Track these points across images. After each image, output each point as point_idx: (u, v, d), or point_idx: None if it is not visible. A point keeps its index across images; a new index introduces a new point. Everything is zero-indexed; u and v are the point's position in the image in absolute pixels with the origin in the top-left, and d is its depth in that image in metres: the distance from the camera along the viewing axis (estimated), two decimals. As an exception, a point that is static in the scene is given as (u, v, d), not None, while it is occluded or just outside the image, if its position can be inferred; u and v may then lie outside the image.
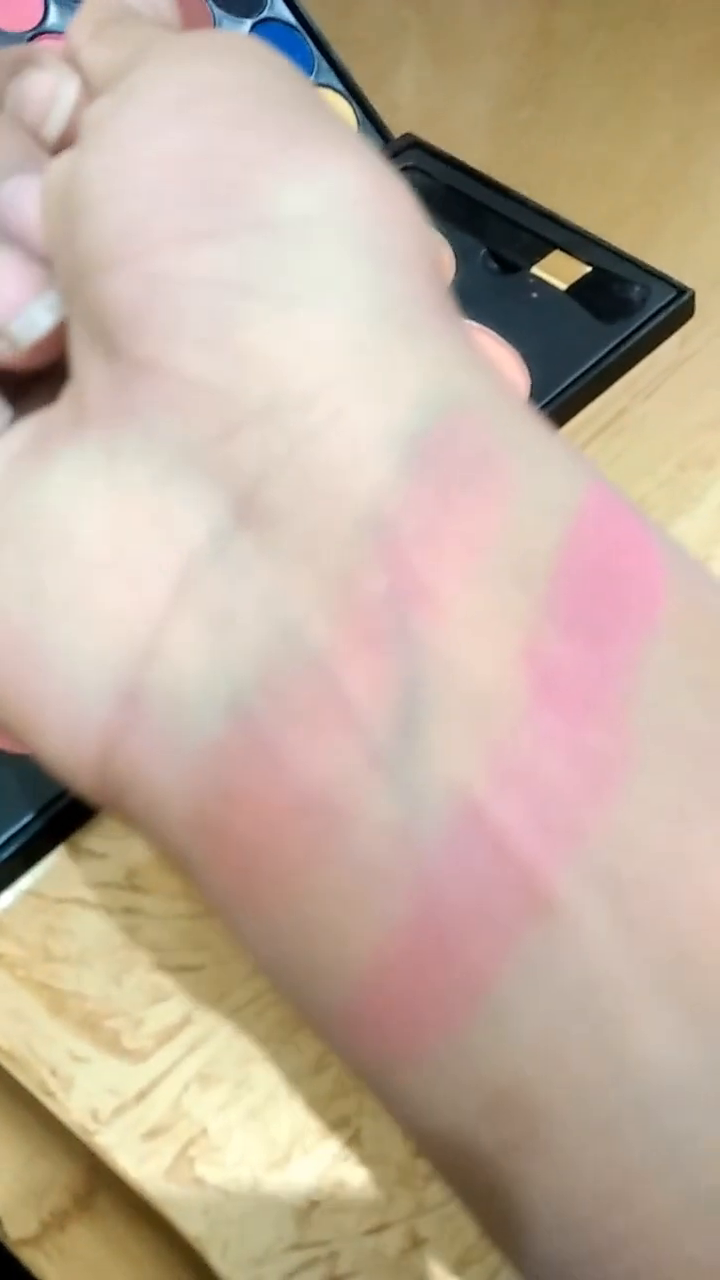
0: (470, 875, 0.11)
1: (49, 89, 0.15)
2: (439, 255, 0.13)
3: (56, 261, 0.13)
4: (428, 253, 0.13)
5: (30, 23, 0.38)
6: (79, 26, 0.15)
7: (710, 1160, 0.11)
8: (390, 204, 0.13)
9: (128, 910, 0.26)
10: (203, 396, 0.12)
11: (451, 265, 0.36)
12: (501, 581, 0.11)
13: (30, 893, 0.26)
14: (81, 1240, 0.24)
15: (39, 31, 0.38)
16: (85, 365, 0.13)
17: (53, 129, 0.15)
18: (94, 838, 0.27)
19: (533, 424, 0.12)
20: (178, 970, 0.25)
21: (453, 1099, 0.11)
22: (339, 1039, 0.12)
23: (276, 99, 0.13)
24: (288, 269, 0.12)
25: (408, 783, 0.11)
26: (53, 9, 0.38)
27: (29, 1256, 0.23)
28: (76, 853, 0.27)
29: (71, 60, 0.15)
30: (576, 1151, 0.11)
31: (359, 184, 0.13)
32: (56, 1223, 0.24)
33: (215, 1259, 0.22)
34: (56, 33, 0.38)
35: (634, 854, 0.11)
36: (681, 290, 0.36)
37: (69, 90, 0.15)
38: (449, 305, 0.13)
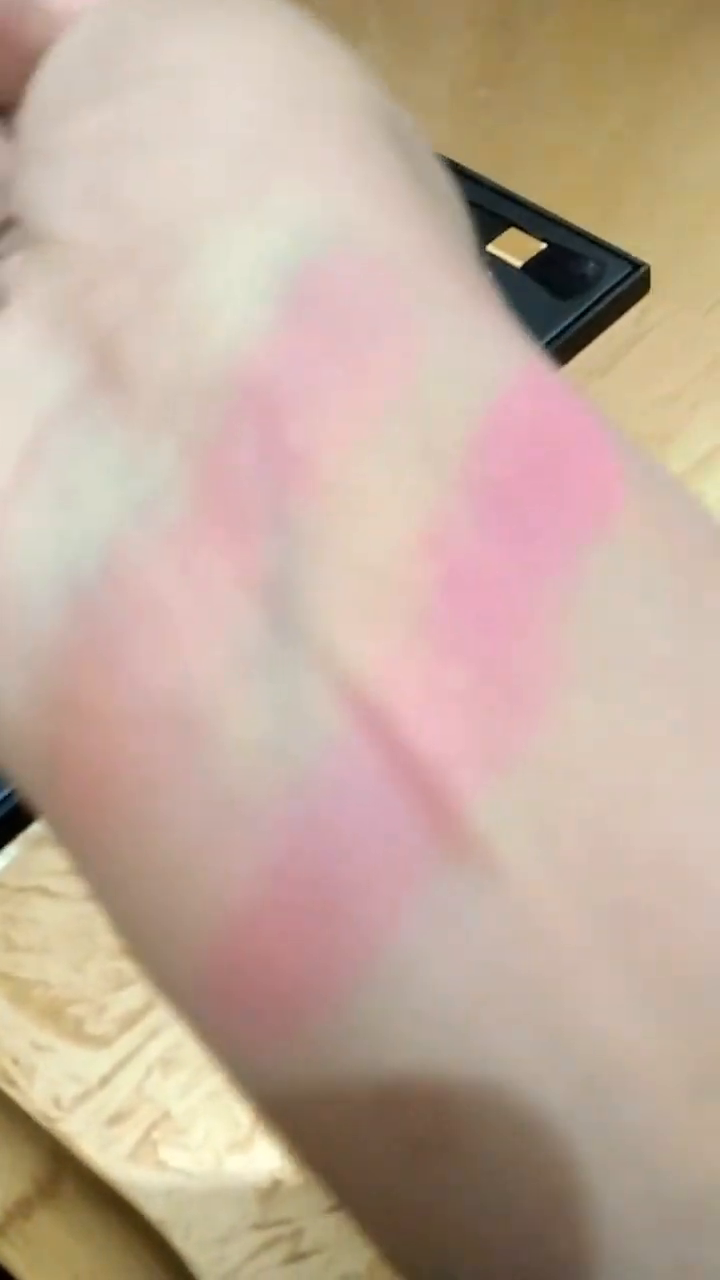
0: (362, 804, 0.09)
1: None
2: (379, 101, 0.12)
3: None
4: (352, 89, 0.11)
5: None
6: None
7: (679, 1166, 0.09)
8: (305, 49, 0.11)
9: (89, 898, 0.26)
10: (71, 254, 0.11)
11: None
12: (400, 457, 0.09)
13: (-10, 883, 0.26)
14: (46, 1228, 0.24)
15: None
16: (8, 260, 0.12)
17: None
18: (54, 826, 0.27)
19: (462, 287, 0.10)
20: (140, 956, 0.25)
21: (335, 1088, 0.09)
22: (195, 1013, 0.10)
23: None
24: (162, 117, 0.11)
25: (282, 687, 0.09)
26: None
27: (-6, 1245, 0.23)
28: (37, 841, 0.27)
29: None
30: (504, 1153, 0.09)
31: (265, 31, 0.11)
32: (21, 1211, 0.24)
33: (179, 1240, 0.22)
34: None
35: (570, 787, 0.09)
36: (637, 265, 0.36)
37: None
38: (378, 146, 0.11)
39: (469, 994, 0.09)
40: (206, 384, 0.10)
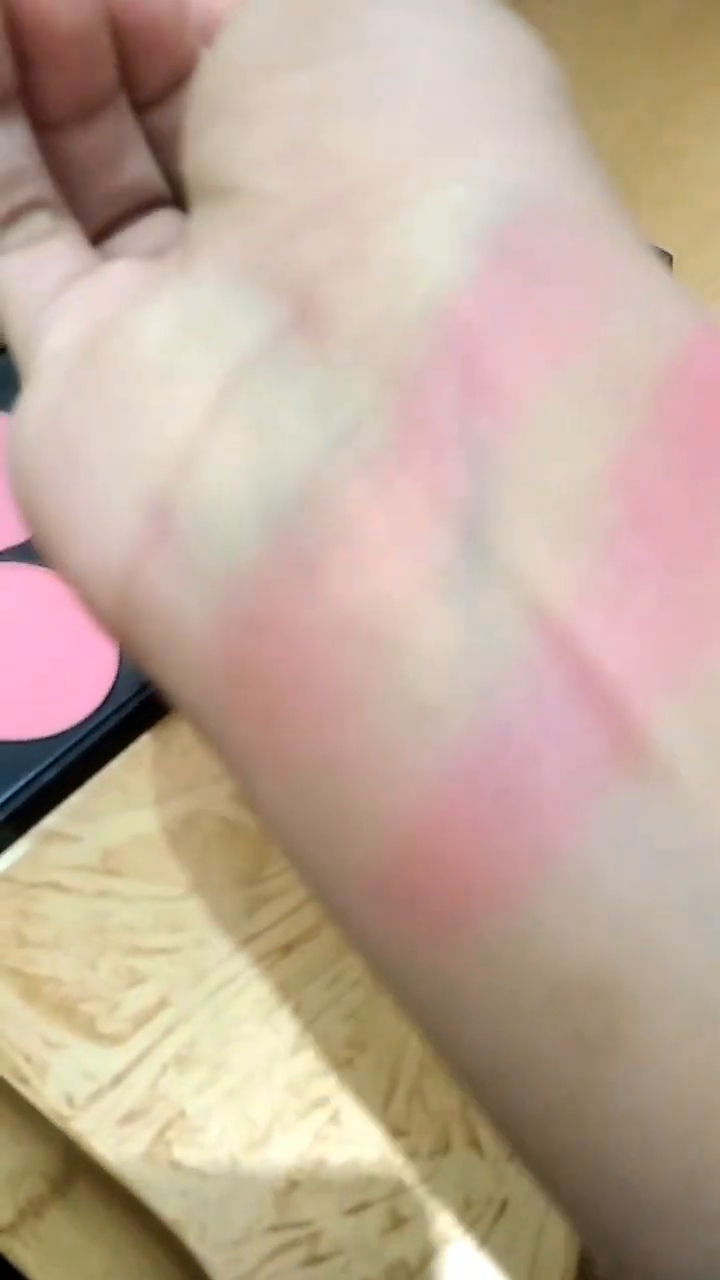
0: (546, 713, 0.09)
1: None
2: (554, 70, 0.12)
3: (179, 140, 0.13)
4: (536, 61, 0.12)
5: None
6: None
7: None
8: (498, 24, 0.12)
9: (102, 894, 0.26)
10: (270, 206, 0.11)
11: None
12: (592, 394, 0.10)
13: (2, 877, 0.26)
14: (59, 1227, 0.23)
15: None
16: (190, 218, 0.13)
17: None
18: (67, 821, 0.27)
19: (635, 240, 0.11)
20: (153, 953, 0.25)
21: (512, 988, 0.10)
22: (368, 920, 0.10)
23: None
24: (369, 81, 0.11)
25: (475, 606, 0.10)
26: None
27: (5, 1244, 0.23)
28: (49, 836, 0.27)
29: None
30: (669, 1052, 0.09)
31: (462, 6, 0.12)
32: (33, 1210, 0.23)
33: (193, 1241, 0.21)
34: None
35: None
36: (659, 254, 0.35)
37: None
38: (560, 113, 0.12)
39: (641, 901, 0.09)
40: (409, 325, 0.10)
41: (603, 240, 0.11)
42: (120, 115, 0.15)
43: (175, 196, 0.17)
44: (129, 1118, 0.23)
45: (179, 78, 0.15)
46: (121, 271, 0.13)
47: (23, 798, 0.26)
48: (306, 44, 0.12)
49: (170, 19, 0.15)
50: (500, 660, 0.09)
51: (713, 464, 0.10)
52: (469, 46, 0.12)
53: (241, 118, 0.12)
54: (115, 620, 0.12)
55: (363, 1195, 0.22)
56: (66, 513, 0.12)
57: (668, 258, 0.35)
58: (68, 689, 0.27)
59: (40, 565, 0.29)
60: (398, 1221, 0.22)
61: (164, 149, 0.16)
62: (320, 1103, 0.23)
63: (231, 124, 0.12)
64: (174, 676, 0.11)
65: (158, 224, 0.16)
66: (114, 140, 0.15)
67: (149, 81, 0.15)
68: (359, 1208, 0.22)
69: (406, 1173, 0.22)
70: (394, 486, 0.10)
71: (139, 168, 0.16)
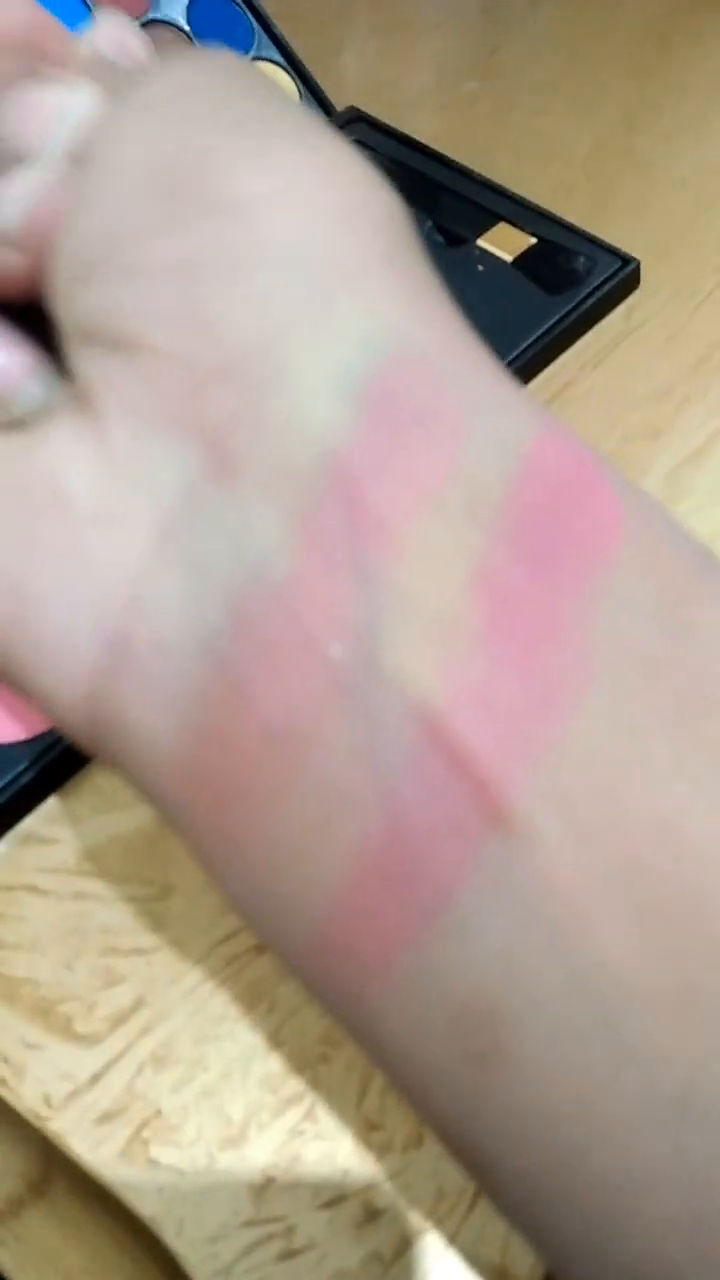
0: (432, 792, 0.11)
1: (55, 104, 0.15)
2: (395, 212, 0.14)
3: (48, 281, 0.14)
4: (378, 209, 0.14)
5: (139, 10, 0.38)
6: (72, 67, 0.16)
7: (668, 1065, 0.11)
8: (332, 171, 0.13)
9: (79, 895, 0.26)
10: (170, 364, 0.13)
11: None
12: (453, 515, 0.12)
13: (-21, 880, 0.26)
14: (37, 1226, 0.23)
15: (149, 20, 0.38)
16: (76, 360, 0.14)
17: (56, 145, 0.15)
18: (44, 823, 0.27)
19: (484, 369, 0.13)
20: (130, 954, 0.25)
21: (421, 1015, 0.12)
22: (312, 967, 0.12)
23: (225, 101, 0.14)
24: (235, 244, 0.13)
25: (369, 707, 0.12)
26: None
27: (-16, 1244, 0.23)
28: (26, 839, 0.27)
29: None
30: (541, 1059, 0.11)
31: (301, 160, 0.13)
32: (11, 1210, 0.23)
33: (170, 1238, 0.22)
34: (166, 22, 0.38)
35: (587, 769, 0.11)
36: (627, 260, 0.36)
37: (79, 104, 0.15)
38: (404, 256, 0.14)
39: (512, 937, 0.11)
40: (303, 470, 0.12)
41: (453, 372, 0.13)
42: None
43: None
44: (106, 1117, 0.23)
45: None
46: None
47: (4, 795, 0.26)
48: (172, 209, 0.13)
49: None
50: (393, 751, 0.11)
51: (553, 555, 0.12)
52: (317, 203, 0.13)
53: (123, 277, 0.13)
54: (85, 732, 0.14)
55: (338, 1189, 0.22)
56: (25, 649, 0.14)
57: (636, 264, 0.36)
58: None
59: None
60: (372, 1214, 0.22)
61: None
62: (295, 1099, 0.23)
63: (115, 281, 0.13)
64: (141, 775, 0.13)
65: None
66: None
67: None
68: (334, 1201, 0.22)
69: (380, 1166, 0.22)
70: (299, 609, 0.12)
71: None
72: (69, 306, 0.14)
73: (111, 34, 0.16)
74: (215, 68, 0.15)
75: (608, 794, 0.11)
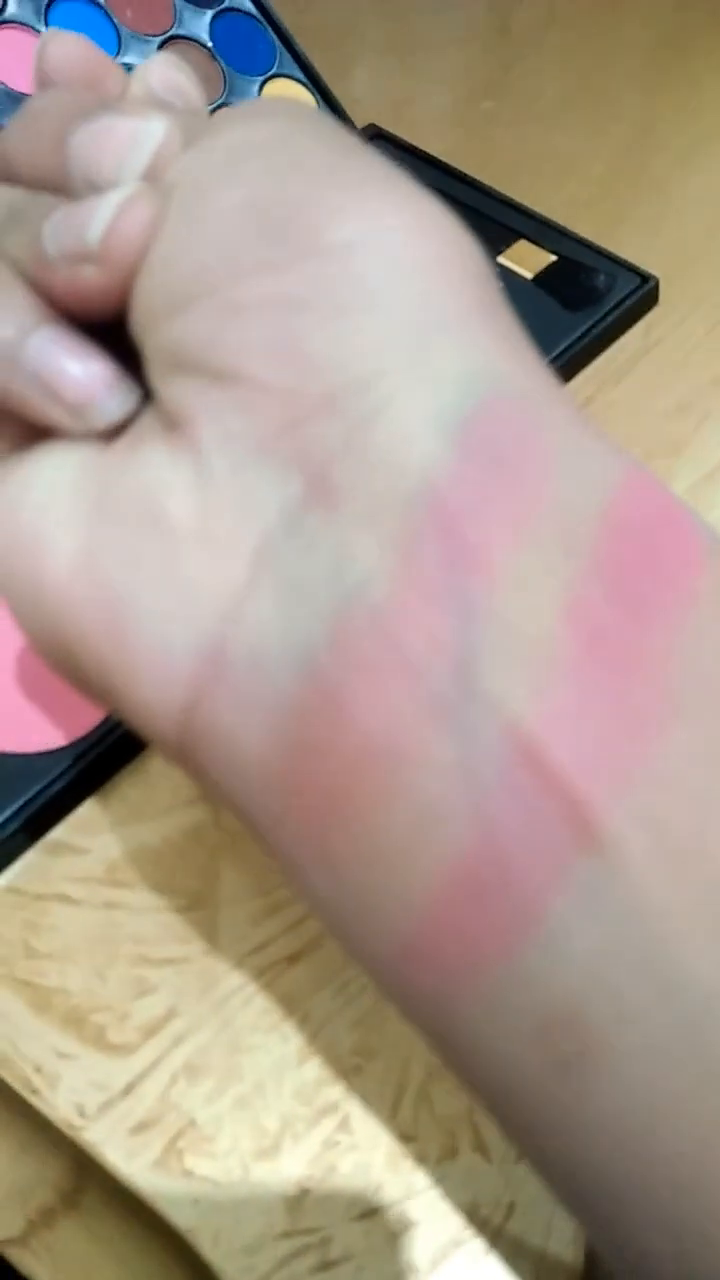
0: (524, 810, 0.12)
1: (131, 132, 0.16)
2: (481, 260, 0.15)
3: (133, 308, 0.15)
4: (468, 258, 0.14)
5: (161, 27, 0.38)
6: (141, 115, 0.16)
7: None
8: (425, 220, 0.14)
9: (109, 905, 0.26)
10: (272, 397, 0.14)
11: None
12: (548, 548, 0.12)
13: (9, 889, 0.26)
14: (69, 1237, 0.23)
15: (171, 35, 0.38)
16: (167, 386, 0.15)
17: (133, 170, 0.15)
18: (74, 833, 0.27)
19: (570, 411, 0.14)
20: (162, 963, 0.25)
21: (509, 1024, 0.12)
22: (397, 976, 0.13)
23: (314, 148, 0.15)
24: (336, 286, 0.14)
25: (465, 727, 0.12)
26: (185, 13, 0.38)
27: (16, 1255, 0.23)
28: (56, 848, 0.27)
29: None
30: (626, 1069, 0.12)
31: (394, 208, 0.14)
32: (44, 1220, 0.23)
33: (206, 1249, 0.22)
34: (189, 38, 0.38)
35: (675, 792, 0.12)
36: (646, 278, 0.36)
37: (156, 131, 0.15)
38: (493, 303, 0.14)
39: (602, 951, 0.12)
40: (403, 501, 0.13)
41: (544, 413, 0.13)
42: None
43: None
44: (140, 1127, 0.23)
45: None
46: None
47: (30, 810, 0.26)
48: (271, 249, 0.14)
49: None
50: (488, 769, 0.12)
51: (640, 589, 0.12)
52: (413, 250, 0.14)
53: (223, 311, 0.14)
54: (177, 743, 0.14)
55: (372, 1201, 0.22)
56: (122, 661, 0.14)
57: (655, 282, 0.36)
58: (74, 702, 0.28)
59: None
60: (407, 1226, 0.22)
61: None
62: (329, 1110, 0.23)
63: (214, 314, 0.14)
64: (233, 787, 0.14)
65: None
66: None
67: None
68: (369, 1213, 0.22)
69: (415, 1178, 0.23)
70: (398, 631, 0.12)
71: None
72: (159, 335, 0.14)
73: (163, 73, 0.17)
74: (301, 114, 0.15)
75: (696, 816, 0.12)
